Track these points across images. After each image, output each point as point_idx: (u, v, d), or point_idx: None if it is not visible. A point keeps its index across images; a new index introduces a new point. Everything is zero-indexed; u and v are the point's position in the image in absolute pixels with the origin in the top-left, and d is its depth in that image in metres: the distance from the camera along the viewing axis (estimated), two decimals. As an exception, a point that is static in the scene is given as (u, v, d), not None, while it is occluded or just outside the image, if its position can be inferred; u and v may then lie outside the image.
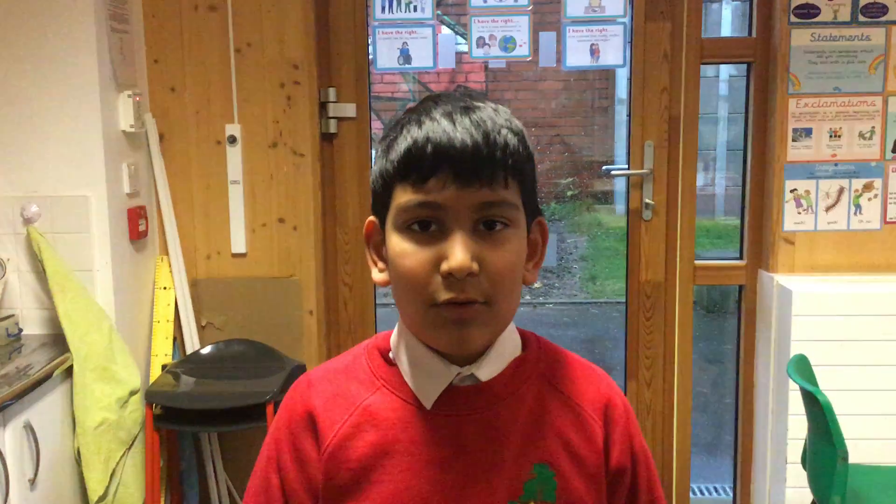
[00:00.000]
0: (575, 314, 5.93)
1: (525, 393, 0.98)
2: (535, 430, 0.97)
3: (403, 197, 0.90)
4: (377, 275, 0.97)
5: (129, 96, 2.50)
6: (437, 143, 0.88)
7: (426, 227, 0.90)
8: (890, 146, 2.63)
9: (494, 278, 0.90)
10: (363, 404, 0.97)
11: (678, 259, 2.80)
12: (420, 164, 0.89)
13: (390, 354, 1.00)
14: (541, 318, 5.80)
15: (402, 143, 0.90)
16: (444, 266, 0.88)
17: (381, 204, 0.94)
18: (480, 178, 0.88)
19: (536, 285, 6.16)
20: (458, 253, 0.87)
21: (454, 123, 0.89)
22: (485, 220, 0.90)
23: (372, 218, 0.98)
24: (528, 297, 6.07)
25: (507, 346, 0.99)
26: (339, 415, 0.97)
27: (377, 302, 2.96)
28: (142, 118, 2.60)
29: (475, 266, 0.88)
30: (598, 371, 1.05)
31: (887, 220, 2.66)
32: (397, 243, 0.91)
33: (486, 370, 0.96)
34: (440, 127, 0.89)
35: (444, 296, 0.89)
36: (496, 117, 0.91)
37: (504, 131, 0.90)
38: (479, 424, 0.95)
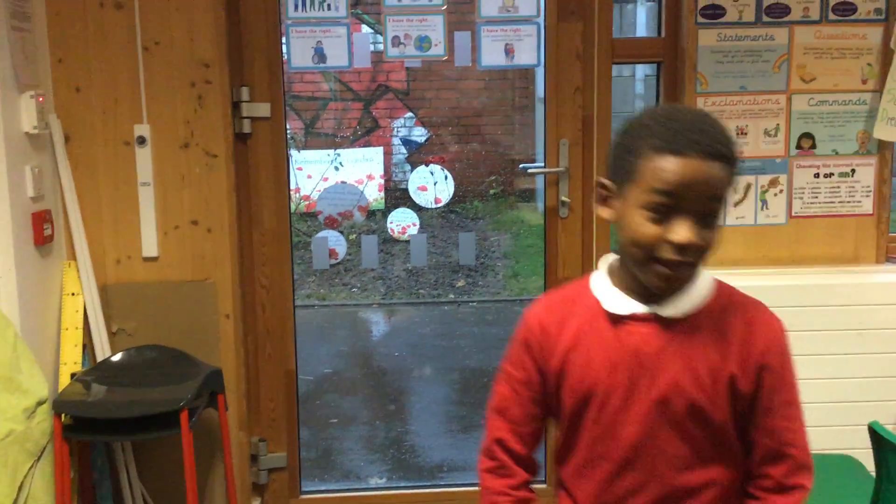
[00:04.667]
0: (498, 312, 5.97)
1: None
2: None
3: None
4: None
5: (32, 97, 2.42)
6: None
7: None
8: (794, 143, 2.72)
9: None
10: None
11: (594, 255, 2.84)
12: None
13: None
14: (463, 317, 5.82)
15: None
16: None
17: None
18: None
19: (460, 283, 6.19)
20: None
21: None
22: None
23: None
24: (451, 296, 6.09)
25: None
26: None
27: (297, 303, 2.93)
28: (45, 119, 2.51)
29: None
30: None
31: (792, 214, 2.75)
32: None
33: None
34: None
35: None
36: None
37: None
38: None
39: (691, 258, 1.26)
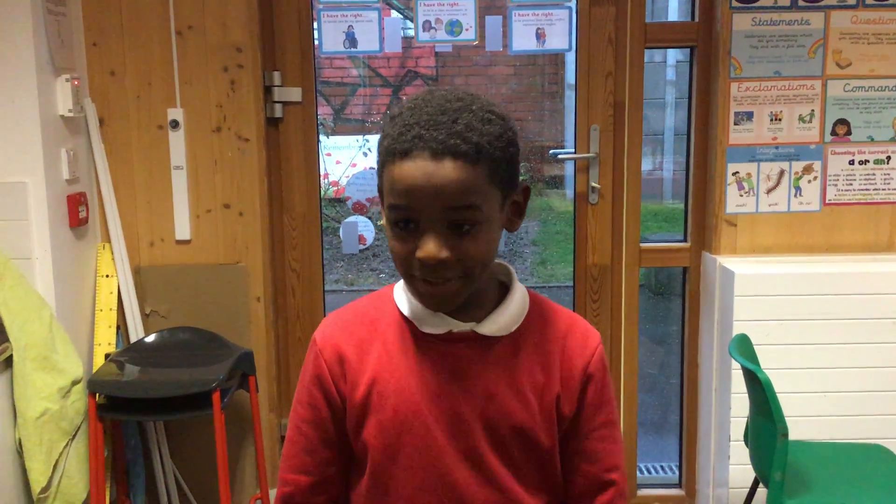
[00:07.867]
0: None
1: None
2: None
3: None
4: None
5: (67, 80, 2.45)
6: None
7: None
8: (829, 129, 2.68)
9: None
10: None
11: (624, 242, 2.82)
12: None
13: None
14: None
15: None
16: None
17: None
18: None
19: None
20: None
21: None
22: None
23: None
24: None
25: None
26: None
27: (325, 288, 2.95)
28: (81, 103, 2.54)
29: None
30: None
31: (826, 201, 2.72)
32: None
33: None
34: None
35: None
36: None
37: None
38: None
39: (451, 274, 1.08)
